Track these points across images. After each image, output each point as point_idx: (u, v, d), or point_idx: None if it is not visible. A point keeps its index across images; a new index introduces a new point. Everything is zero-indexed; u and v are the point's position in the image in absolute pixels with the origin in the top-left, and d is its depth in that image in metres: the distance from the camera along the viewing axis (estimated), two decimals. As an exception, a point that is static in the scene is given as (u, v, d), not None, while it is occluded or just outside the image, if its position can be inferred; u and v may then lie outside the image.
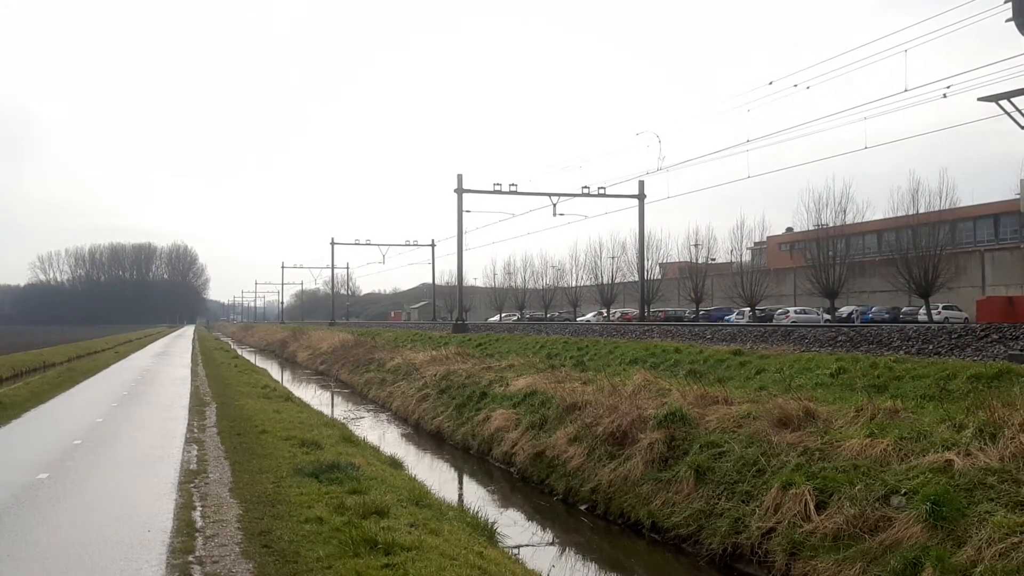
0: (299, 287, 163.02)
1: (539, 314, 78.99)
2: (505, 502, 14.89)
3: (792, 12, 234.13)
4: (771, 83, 55.27)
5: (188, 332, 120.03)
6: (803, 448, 10.78)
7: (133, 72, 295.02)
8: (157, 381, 29.83)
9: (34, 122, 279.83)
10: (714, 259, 64.00)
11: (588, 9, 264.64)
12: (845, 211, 49.86)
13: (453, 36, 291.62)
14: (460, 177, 47.65)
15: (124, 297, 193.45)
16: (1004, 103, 18.33)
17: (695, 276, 60.06)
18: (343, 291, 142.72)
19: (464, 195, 47.70)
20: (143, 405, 21.24)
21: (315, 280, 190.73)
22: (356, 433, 18.50)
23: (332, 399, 33.34)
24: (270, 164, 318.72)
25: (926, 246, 43.71)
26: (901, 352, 17.29)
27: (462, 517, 11.04)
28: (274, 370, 48.26)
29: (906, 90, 23.50)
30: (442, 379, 25.84)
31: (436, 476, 16.69)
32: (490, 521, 11.34)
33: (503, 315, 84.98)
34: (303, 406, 23.47)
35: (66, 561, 7.39)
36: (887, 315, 48.63)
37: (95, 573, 7.10)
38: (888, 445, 9.83)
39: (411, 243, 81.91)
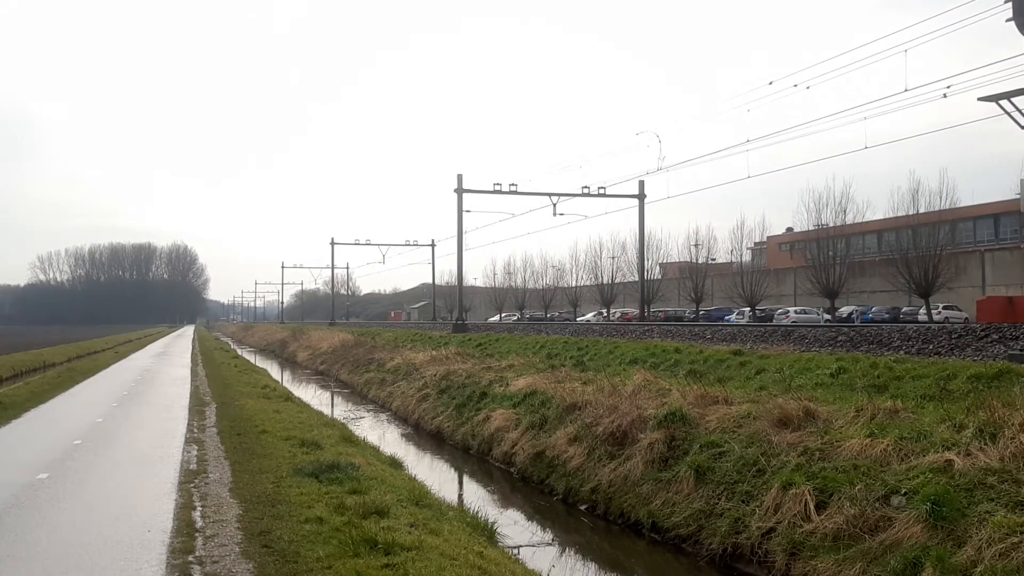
0: (299, 287, 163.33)
1: (539, 314, 78.98)
2: (505, 502, 14.89)
3: (792, 12, 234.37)
4: (771, 83, 55.31)
5: (188, 332, 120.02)
6: (803, 448, 10.78)
7: (133, 72, 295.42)
8: (157, 381, 29.83)
9: (34, 122, 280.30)
10: (714, 259, 64.01)
11: (588, 9, 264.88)
12: (845, 211, 49.94)
13: (453, 36, 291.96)
14: (460, 177, 47.69)
15: (124, 297, 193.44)
16: (1004, 103, 18.33)
17: (695, 276, 60.05)
18: (343, 291, 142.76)
19: (464, 195, 47.70)
20: (143, 405, 21.24)
21: (315, 280, 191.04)
22: (356, 433, 18.51)
23: (332, 399, 33.34)
24: (270, 164, 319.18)
25: (926, 246, 43.71)
26: (901, 352, 17.29)
27: (462, 517, 11.04)
28: (274, 370, 48.26)
29: (906, 90, 23.52)
30: (442, 379, 25.84)
31: (436, 476, 16.69)
32: (490, 521, 11.34)
33: (503, 315, 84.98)
34: (303, 406, 23.47)
35: (66, 561, 7.39)
36: (887, 315, 48.62)
37: (95, 573, 7.10)
38: (888, 445, 9.83)
39: (411, 243, 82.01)
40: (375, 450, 16.46)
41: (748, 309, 54.42)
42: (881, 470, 9.48)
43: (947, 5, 34.04)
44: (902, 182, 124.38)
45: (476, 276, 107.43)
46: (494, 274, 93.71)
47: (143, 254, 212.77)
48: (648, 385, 16.14)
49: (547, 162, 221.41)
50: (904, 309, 50.08)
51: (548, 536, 12.88)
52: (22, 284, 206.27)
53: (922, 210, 44.99)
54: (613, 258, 70.42)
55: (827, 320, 46.27)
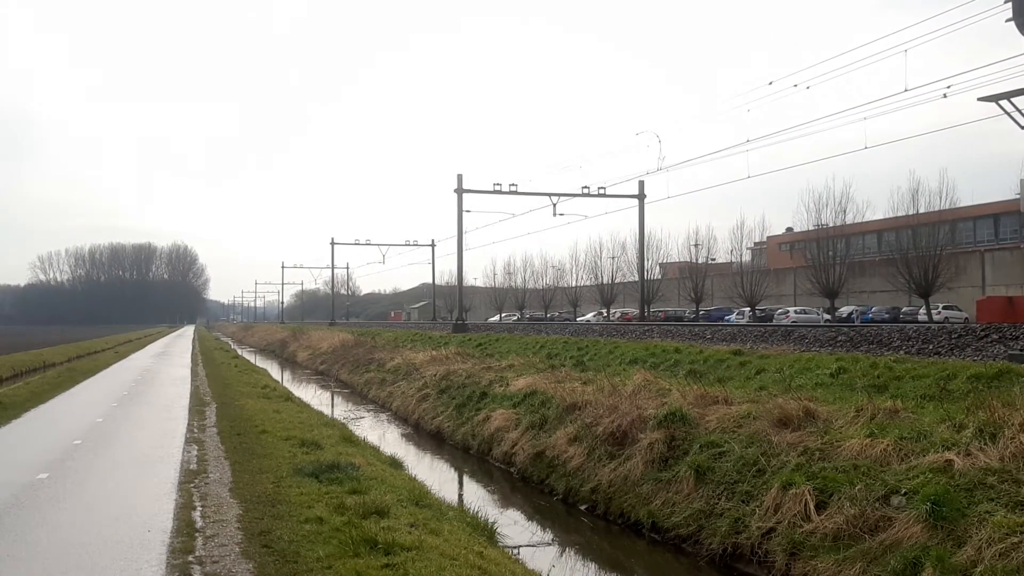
0: (299, 287, 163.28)
1: (539, 314, 78.99)
2: (505, 502, 14.89)
3: (792, 12, 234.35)
4: (771, 83, 55.37)
5: (188, 332, 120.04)
6: (803, 448, 10.78)
7: (133, 72, 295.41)
8: (157, 381, 29.83)
9: (34, 122, 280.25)
10: (714, 259, 64.01)
11: (588, 9, 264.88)
12: (845, 211, 49.95)
13: (453, 36, 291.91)
14: (460, 177, 47.69)
15: (124, 297, 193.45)
16: (1004, 103, 18.33)
17: (695, 276, 60.05)
18: (343, 291, 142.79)
19: (464, 195, 47.70)
20: (143, 405, 21.25)
21: (315, 280, 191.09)
22: (356, 433, 18.51)
23: (332, 399, 33.34)
24: (270, 164, 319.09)
25: (926, 246, 43.72)
26: (901, 352, 17.29)
27: (462, 517, 11.04)
28: (274, 370, 48.26)
29: (906, 90, 23.52)
30: (442, 379, 25.84)
31: (436, 476, 16.69)
32: (490, 521, 11.35)
33: (503, 315, 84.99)
34: (303, 406, 23.47)
35: (66, 561, 7.39)
36: (887, 315, 48.63)
37: (95, 573, 7.10)
38: (888, 445, 9.83)
39: (411, 243, 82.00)
40: (375, 450, 16.46)
41: (748, 309, 54.43)
42: (881, 470, 9.48)
43: (947, 5, 34.01)
44: (902, 182, 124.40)
45: (476, 276, 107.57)
46: (494, 274, 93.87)
47: (143, 254, 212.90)
48: (648, 385, 16.14)
49: (547, 162, 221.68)
50: (904, 309, 50.09)
51: (548, 536, 12.88)
52: (22, 284, 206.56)
53: (922, 210, 45.00)
54: (613, 258, 70.55)
55: (827, 320, 46.28)
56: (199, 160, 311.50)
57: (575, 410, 16.23)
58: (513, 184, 46.18)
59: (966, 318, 41.32)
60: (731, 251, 63.15)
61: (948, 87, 22.01)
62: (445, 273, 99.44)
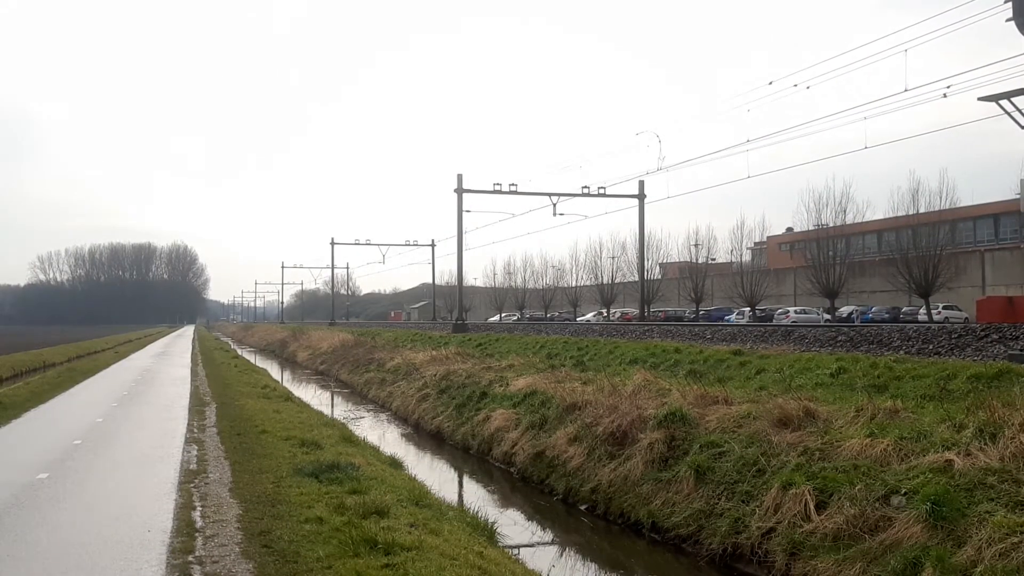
0: (299, 287, 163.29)
1: (539, 314, 78.99)
2: (505, 502, 14.89)
3: (792, 12, 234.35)
4: (771, 83, 55.39)
5: (188, 332, 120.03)
6: (803, 448, 10.78)
7: (133, 72, 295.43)
8: (157, 381, 29.83)
9: (34, 122, 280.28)
10: (714, 259, 64.01)
11: (588, 9, 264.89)
12: (845, 211, 49.95)
13: (453, 36, 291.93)
14: (460, 177, 47.69)
15: (124, 297, 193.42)
16: (1004, 103, 18.33)
17: (695, 276, 60.05)
18: (343, 291, 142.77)
19: (464, 195, 47.70)
20: (143, 405, 21.25)
21: (315, 280, 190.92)
22: (356, 433, 18.50)
23: (332, 399, 33.34)
24: (270, 164, 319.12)
25: (926, 246, 43.72)
26: (901, 352, 17.29)
27: (462, 517, 11.04)
28: (274, 370, 48.26)
29: (906, 90, 23.52)
30: (442, 379, 25.84)
31: (436, 476, 16.69)
32: (490, 521, 11.34)
33: (503, 315, 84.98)
34: (303, 406, 23.47)
35: (66, 561, 7.39)
36: (887, 315, 48.63)
37: (95, 573, 7.10)
38: (888, 445, 9.83)
39: (411, 243, 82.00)
40: (375, 450, 16.46)
41: (748, 309, 54.43)
42: (881, 470, 9.48)
43: (947, 5, 34.07)
44: (902, 182, 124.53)
45: (476, 276, 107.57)
46: (494, 274, 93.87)
47: (143, 254, 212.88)
48: (648, 385, 16.14)
49: (547, 162, 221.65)
50: (904, 309, 50.09)
51: (548, 536, 12.89)
52: (22, 284, 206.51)
53: (922, 210, 45.00)
54: (613, 258, 70.54)
55: (827, 320, 46.27)
56: (199, 160, 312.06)
57: (575, 410, 16.23)
58: (513, 184, 46.21)
59: (966, 318, 41.31)
60: (731, 251, 63.27)
61: (948, 87, 22.03)
62: (445, 273, 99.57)
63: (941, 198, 44.88)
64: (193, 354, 51.06)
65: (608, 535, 12.48)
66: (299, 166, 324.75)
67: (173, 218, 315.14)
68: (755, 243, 66.44)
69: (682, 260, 67.27)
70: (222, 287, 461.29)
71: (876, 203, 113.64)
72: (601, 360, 23.68)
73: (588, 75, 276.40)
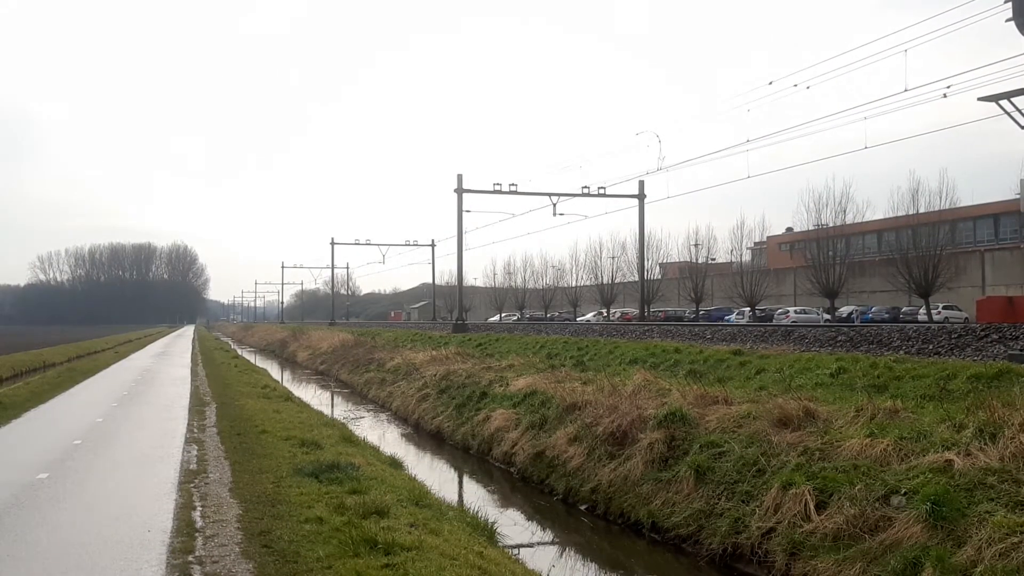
0: (299, 287, 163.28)
1: (539, 314, 78.98)
2: (505, 502, 14.89)
3: (792, 12, 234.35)
4: (771, 83, 55.37)
5: (188, 332, 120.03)
6: (803, 448, 10.78)
7: (133, 72, 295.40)
8: (157, 381, 29.83)
9: (34, 122, 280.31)
10: (714, 259, 64.01)
11: (588, 9, 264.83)
12: (845, 211, 49.96)
13: (453, 36, 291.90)
14: (460, 177, 47.69)
15: (124, 297, 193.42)
16: (1004, 103, 18.33)
17: (695, 276, 60.06)
18: (343, 291, 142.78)
19: (464, 195, 47.70)
20: (143, 405, 21.24)
21: (315, 280, 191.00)
22: (356, 433, 18.50)
23: (332, 399, 33.34)
24: (270, 164, 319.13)
25: (926, 246, 43.72)
26: (901, 352, 17.29)
27: (462, 517, 11.04)
28: (274, 370, 48.26)
29: (906, 90, 23.52)
30: (442, 379, 25.84)
31: (436, 476, 16.69)
32: (490, 521, 11.34)
33: (503, 315, 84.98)
34: (303, 406, 23.47)
35: (66, 561, 7.39)
36: (887, 315, 48.63)
37: (95, 573, 7.10)
38: (888, 445, 9.83)
39: (411, 243, 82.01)
40: (375, 450, 16.46)
41: (748, 309, 54.43)
42: (881, 470, 9.48)
43: (947, 5, 34.06)
44: (902, 182, 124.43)
45: (476, 276, 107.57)
46: (494, 274, 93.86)
47: (143, 254, 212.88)
48: (648, 385, 16.14)
49: (547, 162, 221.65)
50: (904, 309, 50.10)
51: (548, 536, 12.89)
52: (22, 284, 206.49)
53: (922, 210, 45.01)
54: (613, 258, 70.55)
55: (827, 320, 46.27)
56: (199, 160, 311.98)
57: (575, 410, 16.23)
58: (513, 184, 46.21)
59: (966, 318, 41.32)
60: (731, 251, 63.27)
61: (948, 87, 22.03)
62: (445, 273, 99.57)
63: (941, 198, 44.97)
64: (193, 354, 51.06)
65: (608, 535, 12.48)
66: (299, 166, 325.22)
67: (173, 218, 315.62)
68: (755, 243, 66.45)
69: (682, 260, 67.28)
70: (222, 287, 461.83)
71: (876, 203, 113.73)
72: (601, 360, 23.68)
73: (588, 75, 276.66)
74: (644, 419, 13.75)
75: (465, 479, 17.55)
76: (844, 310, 51.84)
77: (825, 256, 49.33)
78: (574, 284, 77.89)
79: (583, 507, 13.58)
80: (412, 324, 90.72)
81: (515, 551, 10.89)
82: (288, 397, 24.94)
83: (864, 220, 52.09)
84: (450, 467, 18.75)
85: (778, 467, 10.71)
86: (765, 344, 21.52)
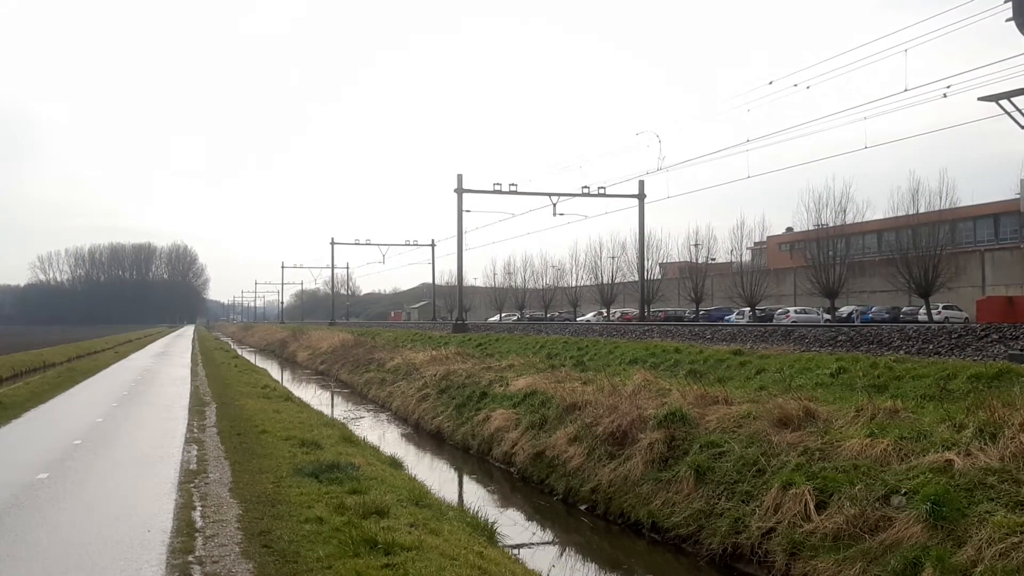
0: (299, 287, 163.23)
1: (539, 314, 78.97)
2: (505, 502, 14.89)
3: (792, 12, 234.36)
4: (771, 83, 55.16)
5: (188, 332, 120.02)
6: (803, 448, 10.78)
7: (133, 72, 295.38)
8: (157, 381, 29.83)
9: (34, 122, 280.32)
10: (714, 259, 63.99)
11: (588, 9, 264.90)
12: (845, 211, 49.92)
13: (453, 36, 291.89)
14: (460, 177, 47.68)
15: (124, 297, 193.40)
16: (1004, 103, 18.32)
17: (695, 276, 60.05)
18: (343, 291, 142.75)
19: (464, 195, 47.70)
20: (143, 405, 21.24)
21: (315, 280, 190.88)
22: (356, 433, 18.50)
23: (332, 399, 33.34)
24: (270, 164, 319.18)
25: (926, 246, 43.71)
26: (901, 352, 17.29)
27: (462, 517, 11.04)
28: (274, 370, 48.25)
29: (906, 90, 23.50)
30: (442, 379, 25.84)
31: (436, 476, 16.69)
32: (490, 521, 11.34)
33: (503, 315, 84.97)
34: (303, 406, 23.47)
35: (66, 561, 7.39)
36: (887, 315, 48.63)
37: (95, 573, 7.10)
38: (888, 445, 9.83)
39: (411, 243, 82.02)
40: (375, 450, 16.46)
41: (748, 309, 54.42)
42: (881, 470, 9.48)
43: (947, 5, 34.06)
44: (902, 182, 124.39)
45: (476, 276, 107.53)
46: (494, 274, 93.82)
47: (143, 254, 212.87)
48: (648, 385, 16.14)
49: (547, 162, 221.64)
50: (904, 309, 50.09)
51: (548, 536, 12.89)
52: (22, 284, 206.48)
53: (922, 210, 44.99)
54: (613, 258, 70.53)
55: (827, 320, 46.27)
56: (199, 160, 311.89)
57: (575, 410, 16.23)
58: (513, 184, 46.20)
59: (966, 318, 41.31)
60: (731, 251, 63.23)
61: (948, 87, 22.02)
62: (445, 273, 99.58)
63: (941, 198, 44.94)
64: (193, 354, 51.06)
65: (608, 535, 12.48)
66: (299, 166, 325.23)
67: (173, 218, 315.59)
68: (755, 243, 66.44)
69: (682, 260, 67.27)
70: (222, 287, 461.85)
71: (876, 203, 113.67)
72: (601, 360, 23.68)
73: (588, 75, 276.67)
74: (644, 419, 13.75)
75: (465, 479, 17.54)
76: (844, 310, 51.83)
77: (825, 256, 49.32)
78: (574, 284, 77.91)
79: (583, 507, 13.58)
80: (412, 324, 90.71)
81: (515, 551, 10.89)
82: (288, 397, 24.93)
83: (864, 220, 52.09)
84: (450, 467, 18.75)
85: (778, 467, 10.71)
86: (765, 344, 21.52)
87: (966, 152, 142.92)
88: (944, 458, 9.07)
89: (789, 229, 71.65)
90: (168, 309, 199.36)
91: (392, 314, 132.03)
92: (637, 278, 55.29)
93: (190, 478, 11.14)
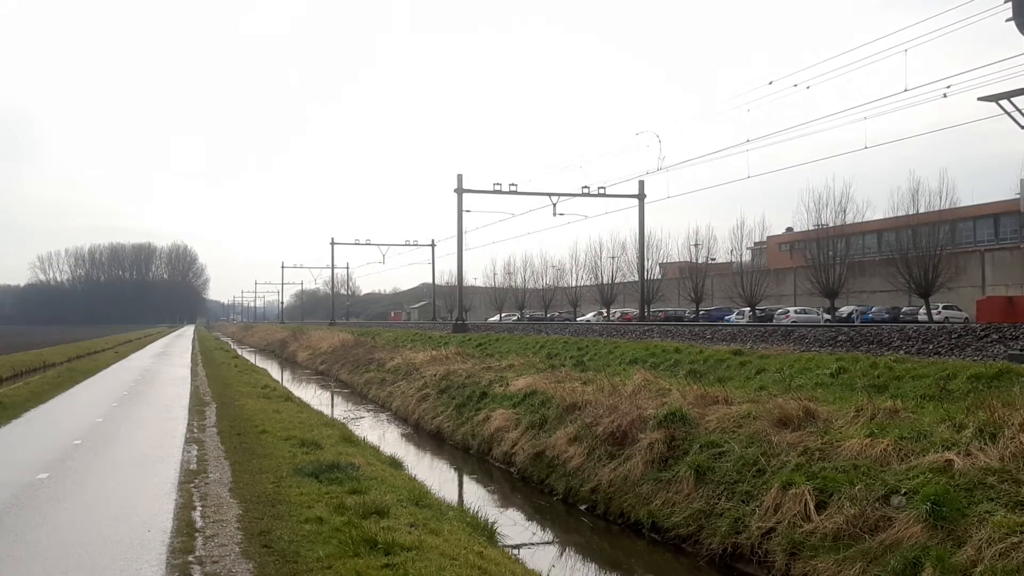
0: (299, 287, 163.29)
1: (539, 314, 78.98)
2: (505, 502, 14.89)
3: (792, 12, 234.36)
4: (771, 83, 55.27)
5: (188, 332, 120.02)
6: (803, 448, 10.78)
7: (133, 72, 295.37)
8: (157, 381, 29.83)
9: (34, 122, 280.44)
10: (714, 259, 63.99)
11: (588, 9, 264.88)
12: (845, 211, 49.92)
13: (453, 36, 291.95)
14: (460, 177, 47.69)
15: (124, 297, 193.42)
16: (1004, 103, 18.33)
17: (695, 276, 60.05)
18: (343, 291, 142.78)
19: (464, 195, 47.70)
20: (143, 405, 21.24)
21: (315, 280, 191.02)
22: (356, 433, 18.50)
23: (332, 399, 33.34)
24: (270, 164, 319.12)
25: (926, 246, 43.71)
26: (901, 352, 17.29)
27: (462, 517, 11.04)
28: (274, 370, 48.25)
29: (906, 90, 23.51)
30: (442, 379, 25.84)
31: (436, 476, 16.69)
32: (490, 521, 11.34)
33: (503, 315, 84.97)
34: (303, 406, 23.47)
35: (66, 561, 7.39)
36: (887, 315, 48.62)
37: (95, 573, 7.10)
38: (888, 445, 9.83)
39: (411, 243, 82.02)
40: (375, 450, 16.46)
41: (748, 309, 54.42)
42: (881, 470, 9.48)
43: (947, 5, 34.01)
44: (902, 182, 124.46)
45: (476, 276, 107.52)
46: (494, 274, 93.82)
47: (143, 254, 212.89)
48: (648, 385, 16.14)
49: (547, 162, 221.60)
50: (904, 309, 50.09)
51: (548, 536, 12.89)
52: (22, 284, 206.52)
53: (922, 210, 44.99)
54: (613, 258, 70.53)
55: (827, 320, 46.27)
56: (199, 160, 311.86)
57: (575, 410, 16.23)
58: (513, 184, 46.20)
59: (966, 318, 41.31)
60: (731, 251, 63.23)
61: (948, 87, 22.02)
62: (445, 273, 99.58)
63: (941, 198, 44.93)
64: (193, 354, 51.06)
65: (608, 535, 12.49)
66: (299, 166, 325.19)
67: (173, 218, 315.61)
68: (755, 243, 66.44)
69: (682, 260, 67.27)
70: (222, 287, 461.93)
71: (876, 203, 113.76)
72: (601, 360, 23.68)
73: (588, 75, 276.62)
74: (644, 419, 13.75)
75: (465, 479, 17.54)
76: (844, 310, 51.83)
77: (825, 256, 49.32)
78: (574, 284, 77.92)
79: (583, 507, 13.58)
80: (412, 324, 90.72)
81: (515, 551, 10.90)
82: (288, 397, 24.94)
83: (864, 220, 52.09)
84: (450, 467, 18.75)
85: (778, 467, 10.71)
86: (765, 344, 21.52)
87: (966, 152, 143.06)
88: (944, 458, 9.08)
89: (789, 229, 71.67)
90: (168, 309, 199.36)
91: (392, 314, 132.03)
92: (637, 278, 55.29)
93: (190, 478, 11.15)
